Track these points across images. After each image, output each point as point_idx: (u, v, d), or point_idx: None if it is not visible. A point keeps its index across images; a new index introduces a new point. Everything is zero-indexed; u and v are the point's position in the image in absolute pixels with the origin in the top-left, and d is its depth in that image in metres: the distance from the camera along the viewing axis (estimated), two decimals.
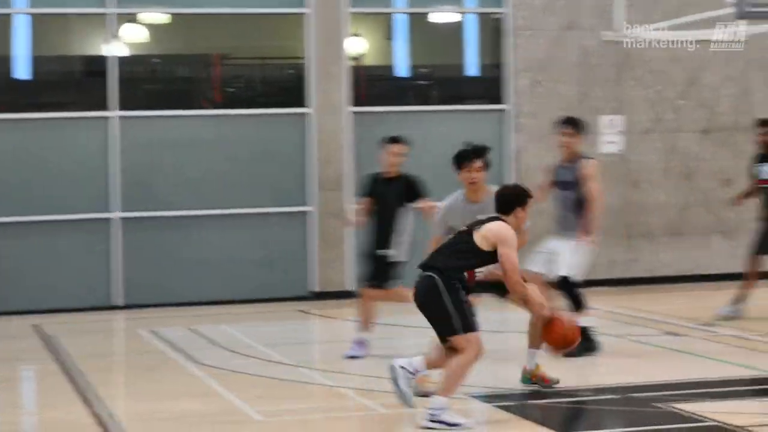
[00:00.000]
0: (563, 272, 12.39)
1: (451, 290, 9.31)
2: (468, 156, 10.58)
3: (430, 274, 9.39)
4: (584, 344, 11.82)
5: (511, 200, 9.76)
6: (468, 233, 9.51)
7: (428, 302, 9.39)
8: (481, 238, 9.42)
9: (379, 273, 12.69)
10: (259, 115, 17.98)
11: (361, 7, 18.18)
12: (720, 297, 14.80)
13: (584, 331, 11.94)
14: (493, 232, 9.43)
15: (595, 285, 15.32)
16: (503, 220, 9.59)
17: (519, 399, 10.48)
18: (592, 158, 12.92)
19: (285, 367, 12.18)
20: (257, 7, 17.96)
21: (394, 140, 12.99)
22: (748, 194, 15.16)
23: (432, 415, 9.19)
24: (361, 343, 12.64)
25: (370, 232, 12.93)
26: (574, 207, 12.53)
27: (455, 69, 19.37)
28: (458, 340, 9.27)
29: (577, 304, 12.40)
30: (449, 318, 9.27)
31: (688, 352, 12.54)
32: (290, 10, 17.99)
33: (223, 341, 14.01)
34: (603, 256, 18.04)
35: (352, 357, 12.50)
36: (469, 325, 9.28)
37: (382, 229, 12.75)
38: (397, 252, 12.67)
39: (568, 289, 12.45)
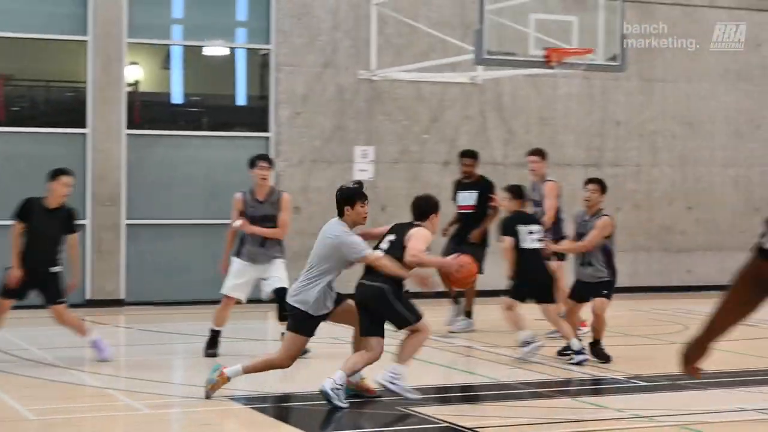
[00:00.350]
0: (284, 284, 12.51)
1: (398, 295, 9.91)
2: (362, 191, 10.40)
3: (378, 284, 9.90)
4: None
5: (426, 209, 10.34)
6: (403, 245, 9.97)
7: (378, 307, 9.92)
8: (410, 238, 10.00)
9: (57, 289, 12.24)
10: (41, 134, 17.52)
11: (139, 38, 17.90)
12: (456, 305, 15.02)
13: None
14: (412, 234, 10.02)
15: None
16: (421, 227, 10.16)
17: (276, 402, 10.44)
18: (285, 192, 13.08)
19: (57, 369, 11.85)
20: (42, 33, 17.51)
21: (64, 172, 12.36)
22: (454, 221, 15.27)
23: (393, 376, 9.92)
24: (97, 343, 12.33)
25: (32, 253, 12.17)
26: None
27: (226, 98, 19.26)
28: (414, 328, 9.98)
29: (287, 314, 12.61)
30: (402, 316, 9.93)
31: (427, 361, 12.66)
32: (72, 37, 17.60)
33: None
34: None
35: (104, 360, 12.20)
36: (416, 315, 9.98)
37: (47, 249, 12.18)
38: (61, 268, 12.32)
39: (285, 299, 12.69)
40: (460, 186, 15.18)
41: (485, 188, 15.00)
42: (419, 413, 9.65)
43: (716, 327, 4.02)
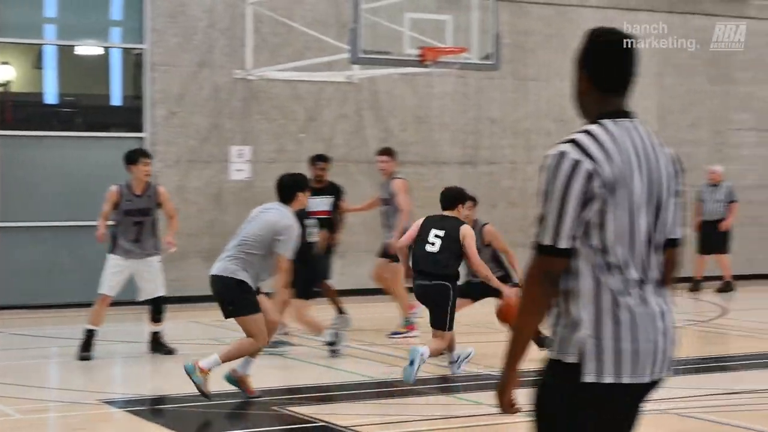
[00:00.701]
0: (161, 292, 12.89)
1: (454, 297, 10.90)
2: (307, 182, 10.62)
3: (444, 282, 10.85)
4: (164, 349, 12.64)
5: (457, 198, 11.24)
6: (457, 241, 10.88)
7: (439, 303, 10.90)
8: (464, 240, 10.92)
9: None
10: None
11: (9, 38, 17.54)
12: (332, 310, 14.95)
13: (158, 336, 12.75)
14: (465, 232, 10.94)
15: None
16: (452, 215, 11.15)
17: (152, 404, 10.31)
18: (162, 186, 13.37)
19: None
20: None
21: None
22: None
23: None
24: None
25: None
26: (152, 229, 12.81)
27: (100, 98, 18.99)
28: (441, 335, 10.96)
29: (161, 316, 12.82)
30: (444, 319, 10.92)
31: (305, 361, 12.62)
32: None
33: None
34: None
35: None
36: (450, 327, 10.99)
37: None
38: None
39: (162, 303, 12.89)
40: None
41: (338, 194, 14.94)
42: (296, 413, 9.61)
43: (521, 339, 4.13)
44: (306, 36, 18.22)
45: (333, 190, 14.84)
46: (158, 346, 12.72)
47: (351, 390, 11.12)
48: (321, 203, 14.56)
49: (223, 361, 9.82)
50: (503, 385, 4.17)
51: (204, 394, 9.75)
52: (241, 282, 9.75)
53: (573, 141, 4.09)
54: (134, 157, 12.83)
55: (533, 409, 4.21)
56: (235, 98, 18.50)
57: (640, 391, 4.21)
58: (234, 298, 9.78)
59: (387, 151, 14.78)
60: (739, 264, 21.53)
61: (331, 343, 12.49)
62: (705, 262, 20.09)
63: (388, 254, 14.41)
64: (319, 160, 14.96)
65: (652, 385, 4.22)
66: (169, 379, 11.27)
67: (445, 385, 11.29)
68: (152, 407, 10.17)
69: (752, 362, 12.40)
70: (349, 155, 18.90)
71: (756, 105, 22.68)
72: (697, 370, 12.14)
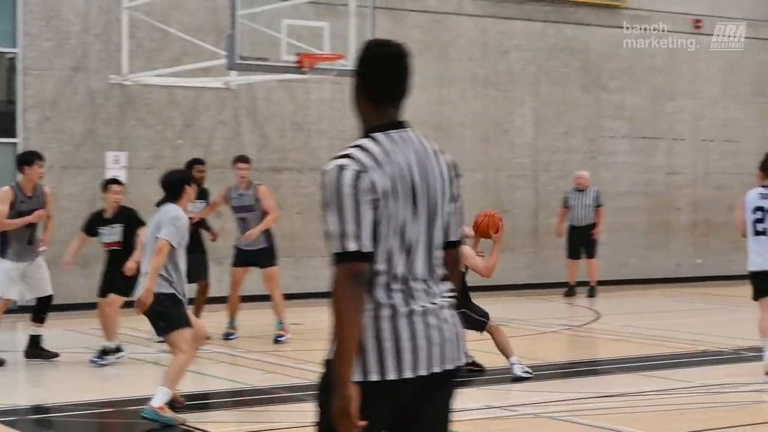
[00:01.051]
0: (50, 291, 12.98)
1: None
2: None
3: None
4: (45, 354, 12.62)
5: None
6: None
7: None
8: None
9: None
10: None
11: None
12: (212, 317, 14.95)
13: (38, 341, 12.77)
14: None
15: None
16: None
17: (27, 414, 10.22)
18: (48, 186, 13.46)
19: None
20: None
21: None
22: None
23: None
24: None
25: None
26: (38, 230, 12.96)
27: None
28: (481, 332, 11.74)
29: (45, 316, 12.90)
30: (476, 322, 11.54)
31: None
32: None
33: None
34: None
35: None
36: (483, 326, 11.81)
37: None
38: None
39: (49, 303, 12.95)
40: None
41: (208, 197, 15.13)
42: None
43: (349, 351, 4.09)
44: (183, 41, 18.19)
45: (206, 194, 15.02)
46: (38, 350, 12.63)
47: (227, 397, 11.16)
48: (199, 206, 14.68)
49: (172, 388, 9.43)
50: (344, 405, 4.08)
51: (183, 424, 9.31)
52: (171, 295, 9.56)
53: (348, 156, 4.25)
54: (30, 159, 12.99)
55: (317, 410, 4.23)
56: (111, 103, 18.38)
57: (418, 387, 4.23)
58: (165, 313, 9.55)
59: (246, 159, 14.89)
60: (611, 269, 22.03)
61: (105, 353, 12.54)
62: (577, 266, 20.49)
63: (246, 261, 14.55)
64: (197, 163, 15.06)
65: (437, 380, 4.27)
66: (48, 388, 11.18)
67: None
68: (27, 417, 10.09)
69: (621, 366, 12.73)
70: (226, 161, 18.78)
71: (627, 113, 23.21)
72: (569, 374, 12.45)
